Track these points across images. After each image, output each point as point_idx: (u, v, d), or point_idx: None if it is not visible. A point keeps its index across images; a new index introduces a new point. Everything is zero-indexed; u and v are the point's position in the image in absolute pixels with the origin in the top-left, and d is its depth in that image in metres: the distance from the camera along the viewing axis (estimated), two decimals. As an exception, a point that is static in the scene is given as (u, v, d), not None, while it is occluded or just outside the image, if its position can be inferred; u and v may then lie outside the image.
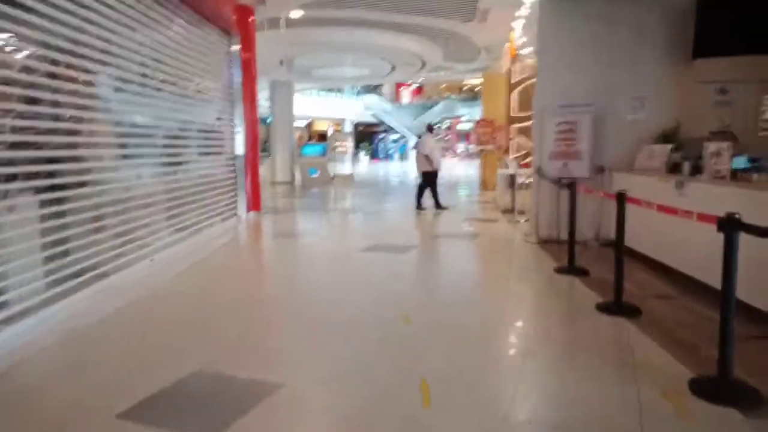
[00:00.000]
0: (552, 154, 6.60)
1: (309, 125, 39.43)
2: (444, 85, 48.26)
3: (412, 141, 41.52)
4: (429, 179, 9.83)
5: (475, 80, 42.76)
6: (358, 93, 39.96)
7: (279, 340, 3.47)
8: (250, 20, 8.92)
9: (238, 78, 8.66)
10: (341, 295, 4.38)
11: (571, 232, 5.09)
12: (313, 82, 19.34)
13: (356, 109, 38.54)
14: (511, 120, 14.46)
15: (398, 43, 12.35)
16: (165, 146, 6.27)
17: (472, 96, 45.88)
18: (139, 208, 5.47)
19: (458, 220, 8.79)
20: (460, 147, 43.10)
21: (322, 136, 37.25)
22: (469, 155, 42.00)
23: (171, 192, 6.32)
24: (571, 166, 6.50)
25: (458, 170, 25.53)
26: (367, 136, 42.34)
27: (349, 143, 18.66)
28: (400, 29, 11.42)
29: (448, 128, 43.65)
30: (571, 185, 5.06)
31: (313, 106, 32.33)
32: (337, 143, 18.48)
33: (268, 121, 19.66)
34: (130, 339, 3.45)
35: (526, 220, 8.25)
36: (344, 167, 18.65)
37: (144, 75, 5.66)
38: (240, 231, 7.92)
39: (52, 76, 4.13)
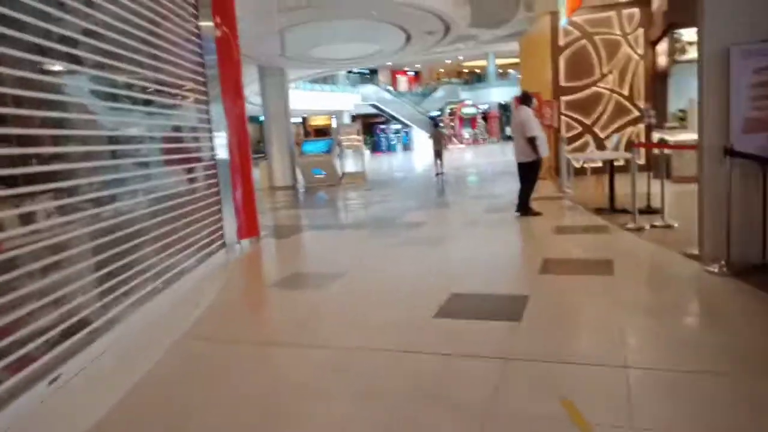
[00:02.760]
0: (747, 123, 3.90)
1: (304, 121, 36.80)
2: (442, 70, 45.47)
3: (415, 130, 38.78)
4: (531, 172, 6.99)
5: (477, 62, 40.08)
6: (354, 84, 37.19)
7: None
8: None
9: (212, 62, 5.92)
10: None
11: None
12: (309, 66, 16.52)
13: (353, 100, 35.74)
14: (559, 91, 11.77)
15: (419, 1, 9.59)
16: (95, 157, 3.60)
17: (474, 79, 43.10)
18: (35, 275, 2.80)
19: (547, 231, 6.08)
20: (466, 134, 40.20)
21: (320, 132, 34.59)
22: (475, 141, 39.15)
23: (106, 233, 3.64)
24: (787, 141, 3.81)
25: (475, 158, 22.74)
26: (366, 128, 39.47)
27: (358, 136, 15.90)
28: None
29: (452, 114, 40.68)
30: None
31: (307, 99, 29.53)
32: (344, 137, 15.71)
33: (260, 119, 16.96)
34: None
35: (657, 226, 5.56)
36: (353, 164, 15.92)
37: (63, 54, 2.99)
38: (229, 279, 5.21)
39: None
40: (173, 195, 4.75)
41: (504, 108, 39.10)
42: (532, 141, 6.67)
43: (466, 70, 45.25)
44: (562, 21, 9.93)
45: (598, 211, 6.83)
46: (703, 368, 2.54)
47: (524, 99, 7.04)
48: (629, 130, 11.06)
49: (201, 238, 5.25)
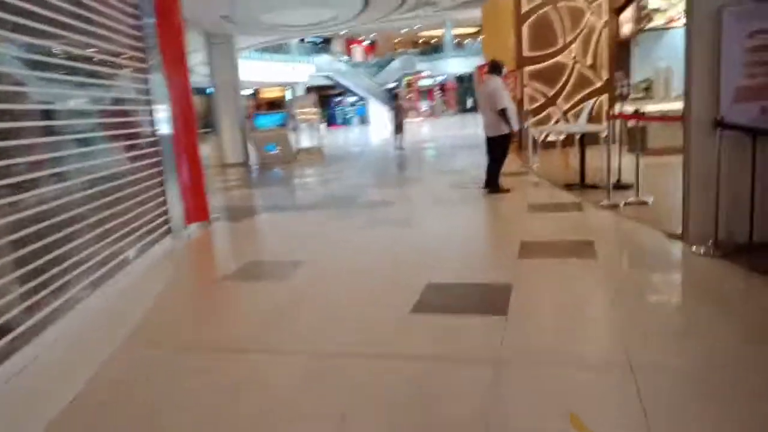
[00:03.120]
0: (739, 92, 3.65)
1: (256, 93, 35.37)
2: (398, 40, 44.60)
3: (372, 103, 37.95)
4: (500, 147, 6.60)
5: (433, 32, 39.38)
6: (308, 54, 35.89)
7: None
8: None
9: (151, 27, 5.24)
10: None
11: None
12: (260, 33, 15.60)
13: (307, 71, 34.47)
14: (522, 62, 11.46)
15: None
16: (14, 136, 2.99)
17: (431, 49, 42.44)
18: None
19: (519, 209, 5.81)
20: (424, 106, 39.75)
21: (273, 105, 33.28)
22: (433, 114, 38.71)
23: (30, 223, 3.07)
24: (780, 112, 3.59)
25: (434, 131, 22.43)
26: (321, 100, 38.43)
27: (314, 109, 15.25)
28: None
29: (408, 86, 40.02)
30: None
31: (258, 70, 28.17)
32: (299, 110, 15.02)
33: (208, 91, 15.98)
34: None
35: (631, 202, 5.35)
36: (309, 139, 15.26)
37: None
38: (176, 271, 4.68)
39: None
40: (109, 177, 4.15)
41: (461, 80, 38.57)
42: (502, 113, 6.32)
43: (422, 41, 44.56)
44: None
45: (569, 186, 6.60)
46: (712, 362, 2.28)
47: (493, 68, 6.62)
48: (592, 101, 10.91)
49: (143, 224, 4.67)
